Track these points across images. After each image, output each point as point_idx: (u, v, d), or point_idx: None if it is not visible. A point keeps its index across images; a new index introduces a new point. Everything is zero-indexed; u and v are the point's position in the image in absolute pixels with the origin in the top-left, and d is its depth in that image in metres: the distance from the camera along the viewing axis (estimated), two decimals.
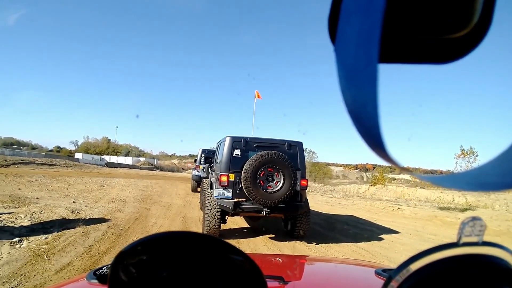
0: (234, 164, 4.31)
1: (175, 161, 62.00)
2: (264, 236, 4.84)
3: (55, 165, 19.41)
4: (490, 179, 0.20)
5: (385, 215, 9.04)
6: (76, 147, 70.51)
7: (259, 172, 4.14)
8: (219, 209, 4.25)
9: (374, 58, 0.19)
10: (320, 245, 4.47)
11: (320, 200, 12.60)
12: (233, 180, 4.28)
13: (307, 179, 4.69)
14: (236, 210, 4.22)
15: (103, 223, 4.64)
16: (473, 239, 0.30)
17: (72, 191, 7.91)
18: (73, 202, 6.26)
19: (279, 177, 4.22)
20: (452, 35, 0.26)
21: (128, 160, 50.06)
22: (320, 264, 1.40)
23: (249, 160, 4.20)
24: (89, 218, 4.89)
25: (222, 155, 4.44)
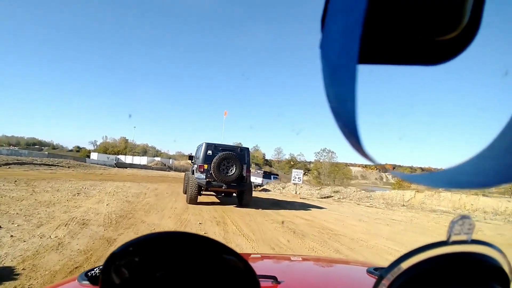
0: (207, 159, 7.52)
1: (190, 161, 60.76)
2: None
3: (55, 165, 17.86)
4: (464, 178, 0.21)
5: None
6: (95, 147, 71.41)
7: (222, 163, 7.43)
8: (197, 185, 7.52)
9: (354, 56, 0.20)
10: None
11: (362, 213, 9.67)
12: (207, 168, 7.46)
13: (250, 170, 8.26)
14: (208, 186, 7.53)
15: (5, 282, 2.25)
16: (462, 237, 0.30)
17: (26, 204, 5.70)
18: (0, 228, 3.99)
19: (233, 167, 7.49)
20: (443, 37, 0.26)
21: (143, 160, 49.58)
22: (313, 263, 1.36)
23: (216, 156, 7.41)
24: None
25: (201, 153, 7.70)
